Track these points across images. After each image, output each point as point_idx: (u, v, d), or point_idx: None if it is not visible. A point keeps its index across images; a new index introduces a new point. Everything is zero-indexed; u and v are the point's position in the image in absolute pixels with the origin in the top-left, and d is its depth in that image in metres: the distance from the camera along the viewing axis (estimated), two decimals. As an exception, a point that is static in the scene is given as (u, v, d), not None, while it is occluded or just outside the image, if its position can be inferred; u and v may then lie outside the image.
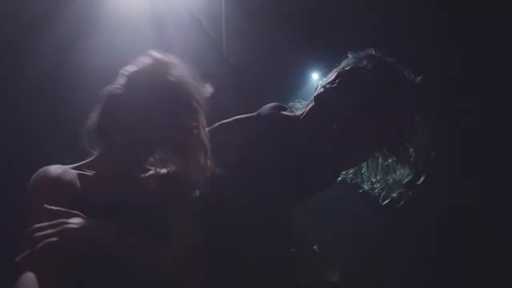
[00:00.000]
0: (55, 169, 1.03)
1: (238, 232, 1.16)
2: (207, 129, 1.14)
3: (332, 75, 1.34)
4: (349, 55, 1.39)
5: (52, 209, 0.91)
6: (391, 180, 1.34)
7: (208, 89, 1.13)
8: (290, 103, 1.48)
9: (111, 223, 0.95)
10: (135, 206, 1.02)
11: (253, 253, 1.18)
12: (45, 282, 0.89)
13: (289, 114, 1.38)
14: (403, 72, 1.30)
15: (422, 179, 1.31)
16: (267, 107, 1.43)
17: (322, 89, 1.30)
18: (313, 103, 1.33)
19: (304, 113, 1.35)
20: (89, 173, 1.06)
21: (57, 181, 1.01)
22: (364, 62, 1.31)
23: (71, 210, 0.93)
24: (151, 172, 1.09)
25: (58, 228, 0.88)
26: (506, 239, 2.61)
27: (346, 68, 1.30)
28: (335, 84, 1.29)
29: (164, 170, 1.10)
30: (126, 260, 0.94)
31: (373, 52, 1.34)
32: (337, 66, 1.39)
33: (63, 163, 1.07)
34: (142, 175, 1.08)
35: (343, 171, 1.40)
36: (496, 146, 2.63)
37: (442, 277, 2.71)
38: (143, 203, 1.03)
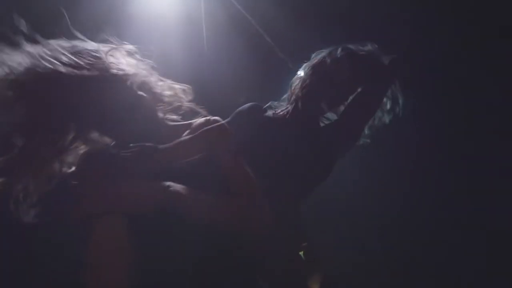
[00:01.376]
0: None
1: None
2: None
3: (308, 74, 1.35)
4: (321, 51, 1.40)
5: None
6: (376, 123, 1.48)
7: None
8: (270, 103, 1.48)
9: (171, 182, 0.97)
10: (181, 169, 1.02)
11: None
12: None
13: (272, 115, 1.38)
14: (376, 59, 1.34)
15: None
16: (245, 109, 1.42)
17: (304, 93, 1.31)
18: (294, 104, 1.34)
19: (289, 113, 1.35)
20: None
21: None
22: (338, 59, 1.32)
23: None
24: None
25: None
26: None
27: (323, 69, 1.31)
28: (316, 86, 1.31)
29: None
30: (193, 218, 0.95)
31: (344, 45, 1.36)
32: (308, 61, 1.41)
33: None
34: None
35: (339, 155, 1.41)
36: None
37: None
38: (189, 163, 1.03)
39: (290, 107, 1.39)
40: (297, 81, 1.41)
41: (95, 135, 1.03)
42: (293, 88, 1.41)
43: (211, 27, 2.46)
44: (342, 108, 1.37)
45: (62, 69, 0.92)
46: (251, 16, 2.38)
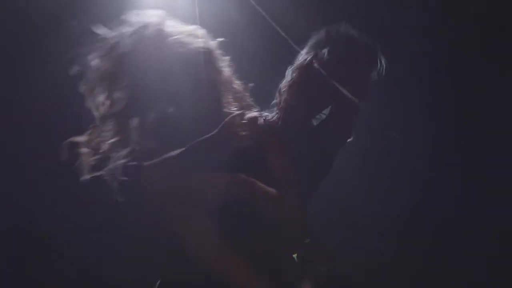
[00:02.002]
0: None
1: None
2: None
3: (295, 78, 1.34)
4: (304, 50, 1.40)
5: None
6: None
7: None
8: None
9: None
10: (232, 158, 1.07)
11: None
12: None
13: (263, 122, 1.38)
14: (362, 52, 1.34)
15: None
16: None
17: (293, 98, 1.32)
18: (284, 109, 1.34)
19: (280, 119, 1.35)
20: None
21: None
22: (326, 62, 1.32)
23: None
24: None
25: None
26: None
27: (311, 72, 1.31)
28: (305, 90, 1.31)
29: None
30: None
31: (329, 44, 1.36)
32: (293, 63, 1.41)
33: None
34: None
35: (339, 148, 1.41)
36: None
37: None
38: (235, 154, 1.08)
39: (280, 113, 1.39)
40: (285, 86, 1.40)
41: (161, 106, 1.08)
42: (281, 92, 1.41)
43: (213, 23, 2.45)
44: (335, 112, 1.36)
45: (160, 42, 0.96)
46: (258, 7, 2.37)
